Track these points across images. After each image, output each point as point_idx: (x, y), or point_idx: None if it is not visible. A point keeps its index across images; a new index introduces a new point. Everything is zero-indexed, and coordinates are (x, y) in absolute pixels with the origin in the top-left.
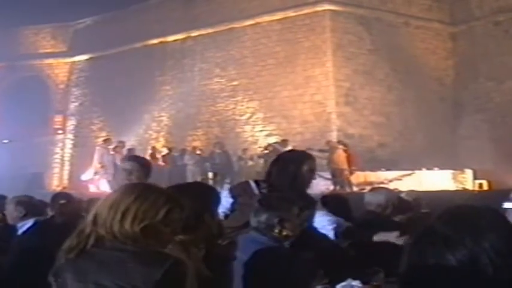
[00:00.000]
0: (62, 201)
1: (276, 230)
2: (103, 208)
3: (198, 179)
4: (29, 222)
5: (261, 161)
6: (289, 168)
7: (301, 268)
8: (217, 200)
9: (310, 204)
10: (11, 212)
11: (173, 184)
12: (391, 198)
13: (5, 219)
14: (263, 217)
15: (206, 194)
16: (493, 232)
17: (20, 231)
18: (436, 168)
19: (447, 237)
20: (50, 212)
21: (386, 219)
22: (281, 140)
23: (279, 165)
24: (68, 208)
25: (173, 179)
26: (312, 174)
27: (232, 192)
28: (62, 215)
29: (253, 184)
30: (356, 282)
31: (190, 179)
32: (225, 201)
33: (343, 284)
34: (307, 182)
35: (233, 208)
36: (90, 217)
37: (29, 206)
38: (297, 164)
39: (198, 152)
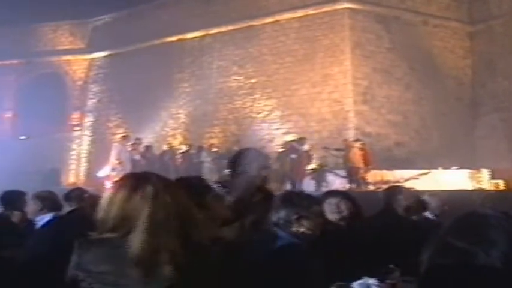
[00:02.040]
0: (86, 195)
1: (294, 227)
2: None
3: (215, 176)
4: (47, 217)
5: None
6: (238, 167)
7: (318, 266)
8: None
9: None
10: (30, 205)
11: None
12: (405, 195)
13: (24, 217)
14: (282, 213)
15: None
16: (503, 240)
17: (37, 225)
18: (452, 168)
19: (461, 249)
20: (67, 207)
21: (402, 218)
22: (298, 138)
23: (230, 165)
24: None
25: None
26: (261, 170)
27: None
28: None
29: (216, 186)
30: (372, 281)
31: (207, 177)
32: None
33: (359, 282)
34: (256, 179)
35: None
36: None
37: (47, 200)
38: (246, 162)
39: (215, 149)
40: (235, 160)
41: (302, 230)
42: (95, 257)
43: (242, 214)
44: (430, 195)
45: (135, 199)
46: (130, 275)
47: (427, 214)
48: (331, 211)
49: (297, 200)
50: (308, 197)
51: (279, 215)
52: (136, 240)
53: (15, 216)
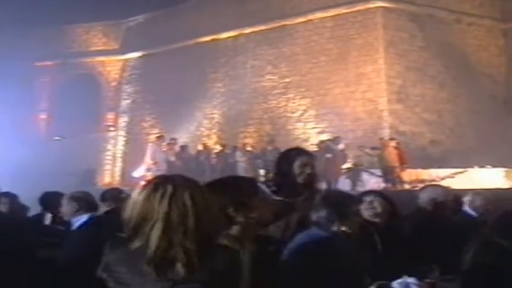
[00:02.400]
0: (123, 195)
1: (335, 226)
2: None
3: (250, 176)
4: (84, 217)
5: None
6: (283, 166)
7: (358, 264)
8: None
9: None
10: (65, 207)
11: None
12: (433, 196)
13: (59, 218)
14: (323, 213)
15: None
16: None
17: (74, 226)
18: (488, 166)
19: (505, 247)
20: (104, 207)
21: (440, 217)
22: (333, 137)
23: (277, 164)
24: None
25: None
26: (304, 168)
27: None
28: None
29: (263, 186)
30: (412, 279)
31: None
32: None
33: (399, 281)
34: (300, 177)
35: None
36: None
37: (82, 201)
38: (289, 161)
39: (249, 148)
40: (280, 160)
41: (342, 229)
42: (117, 257)
43: (288, 212)
44: (474, 194)
45: (154, 198)
46: (146, 272)
47: (470, 212)
48: (366, 209)
49: (338, 200)
50: (348, 196)
51: (319, 214)
52: (153, 238)
53: (47, 218)
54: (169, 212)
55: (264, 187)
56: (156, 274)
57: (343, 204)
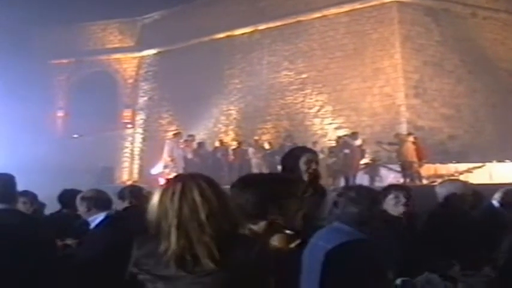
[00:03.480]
0: (145, 191)
1: (364, 224)
2: None
3: (265, 172)
4: (100, 216)
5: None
6: (288, 164)
7: (383, 261)
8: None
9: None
10: (79, 206)
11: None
12: (454, 191)
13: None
14: (351, 209)
15: (275, 186)
16: None
17: (92, 225)
18: (507, 161)
19: None
20: (125, 204)
21: (457, 211)
22: (351, 132)
23: (283, 161)
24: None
25: (242, 172)
26: (310, 164)
27: None
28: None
29: None
30: (434, 276)
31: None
32: None
33: (421, 276)
34: (305, 174)
35: None
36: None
37: (93, 200)
38: (295, 158)
39: (265, 145)
40: (285, 157)
41: (368, 227)
42: (145, 253)
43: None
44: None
45: (166, 198)
46: (171, 266)
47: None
48: (392, 204)
49: (364, 198)
50: (373, 193)
51: (346, 210)
52: (172, 236)
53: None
54: (180, 209)
55: None
56: (180, 268)
57: (367, 201)
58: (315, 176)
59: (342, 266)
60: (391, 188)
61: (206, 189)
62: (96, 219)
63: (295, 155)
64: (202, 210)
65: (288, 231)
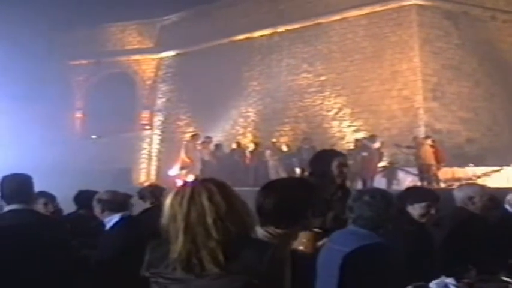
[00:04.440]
0: (165, 192)
1: (379, 227)
2: None
3: (283, 175)
4: (115, 218)
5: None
6: (318, 168)
7: (399, 265)
8: (318, 199)
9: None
10: (94, 208)
11: (259, 179)
12: (470, 194)
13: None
14: (367, 213)
15: (311, 192)
16: None
17: (107, 227)
18: None
19: None
20: (147, 204)
21: (474, 215)
22: (369, 135)
23: (313, 164)
24: None
25: (259, 174)
26: (342, 168)
27: None
28: None
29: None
30: (450, 280)
31: (273, 176)
32: None
33: (437, 281)
34: (338, 177)
35: None
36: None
37: (107, 203)
38: (326, 162)
39: (283, 147)
40: (316, 160)
41: (382, 230)
42: (158, 256)
43: (324, 211)
44: None
45: (176, 203)
46: (179, 273)
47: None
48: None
49: (378, 202)
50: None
51: (361, 213)
52: (179, 240)
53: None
54: (188, 213)
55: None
56: (186, 272)
57: (383, 205)
58: (345, 180)
59: (360, 270)
60: (425, 196)
61: (215, 194)
62: (111, 220)
63: (326, 159)
64: (210, 215)
65: (316, 229)
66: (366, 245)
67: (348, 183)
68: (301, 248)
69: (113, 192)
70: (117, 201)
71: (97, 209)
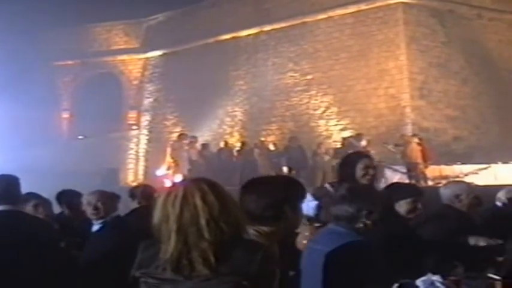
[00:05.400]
0: (156, 194)
1: (362, 222)
2: None
3: (271, 173)
4: (103, 219)
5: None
6: (346, 170)
7: (381, 263)
8: (300, 194)
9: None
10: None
11: (245, 178)
12: (457, 192)
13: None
14: (352, 208)
15: (289, 187)
16: None
17: (95, 228)
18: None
19: None
20: (134, 203)
21: (461, 213)
22: (355, 134)
23: (340, 168)
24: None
25: (245, 173)
26: (367, 170)
27: (315, 195)
28: None
29: (328, 187)
30: (436, 277)
31: (262, 174)
32: (309, 203)
33: (423, 278)
34: (363, 179)
35: (319, 208)
36: None
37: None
38: (352, 165)
39: (270, 146)
40: (342, 164)
41: (367, 225)
42: (149, 257)
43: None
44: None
45: (168, 203)
46: (168, 273)
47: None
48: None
49: (367, 195)
50: (377, 192)
51: (346, 208)
52: (172, 241)
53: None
54: (180, 214)
55: (328, 187)
56: (176, 273)
57: (371, 200)
58: (372, 181)
59: (341, 269)
60: (410, 192)
61: (208, 194)
62: (100, 221)
63: (351, 162)
64: (203, 215)
65: (316, 224)
66: (345, 244)
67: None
68: (304, 242)
69: (102, 192)
70: (106, 202)
71: (89, 210)
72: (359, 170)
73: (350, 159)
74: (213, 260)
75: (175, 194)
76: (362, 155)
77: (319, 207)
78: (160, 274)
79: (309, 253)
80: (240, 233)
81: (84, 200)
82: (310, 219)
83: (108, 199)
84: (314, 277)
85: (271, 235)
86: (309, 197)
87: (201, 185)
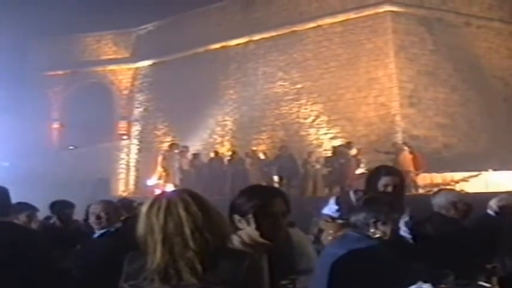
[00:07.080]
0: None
1: (371, 230)
2: None
3: (262, 182)
4: (103, 230)
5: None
6: (370, 182)
7: (390, 269)
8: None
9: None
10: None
11: (236, 188)
12: (453, 199)
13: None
14: (361, 215)
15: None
16: None
17: (96, 235)
18: (502, 169)
19: None
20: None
21: (451, 221)
22: (345, 142)
23: (366, 179)
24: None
25: (236, 182)
26: (385, 188)
27: (338, 200)
28: None
29: (351, 194)
30: (427, 285)
31: (252, 183)
32: (332, 207)
33: (413, 287)
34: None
35: (341, 212)
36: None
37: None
38: (375, 179)
39: (260, 155)
40: (369, 176)
41: (378, 234)
42: (136, 269)
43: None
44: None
45: (152, 214)
46: (157, 284)
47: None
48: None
49: (378, 205)
50: (389, 202)
51: (357, 216)
52: (157, 251)
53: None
54: (165, 224)
55: (352, 195)
56: (164, 283)
57: (382, 209)
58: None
59: (349, 273)
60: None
61: (191, 204)
62: (101, 231)
63: (376, 176)
64: (187, 225)
65: (339, 221)
66: (356, 249)
67: (326, 191)
68: (330, 238)
69: (106, 202)
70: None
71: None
72: (380, 186)
73: (376, 172)
74: (200, 269)
75: (158, 205)
76: (387, 171)
77: (339, 211)
78: (149, 285)
79: (323, 254)
80: (224, 242)
81: (90, 208)
82: (333, 218)
83: (112, 210)
84: (323, 278)
85: (257, 245)
86: (331, 200)
87: (184, 196)
